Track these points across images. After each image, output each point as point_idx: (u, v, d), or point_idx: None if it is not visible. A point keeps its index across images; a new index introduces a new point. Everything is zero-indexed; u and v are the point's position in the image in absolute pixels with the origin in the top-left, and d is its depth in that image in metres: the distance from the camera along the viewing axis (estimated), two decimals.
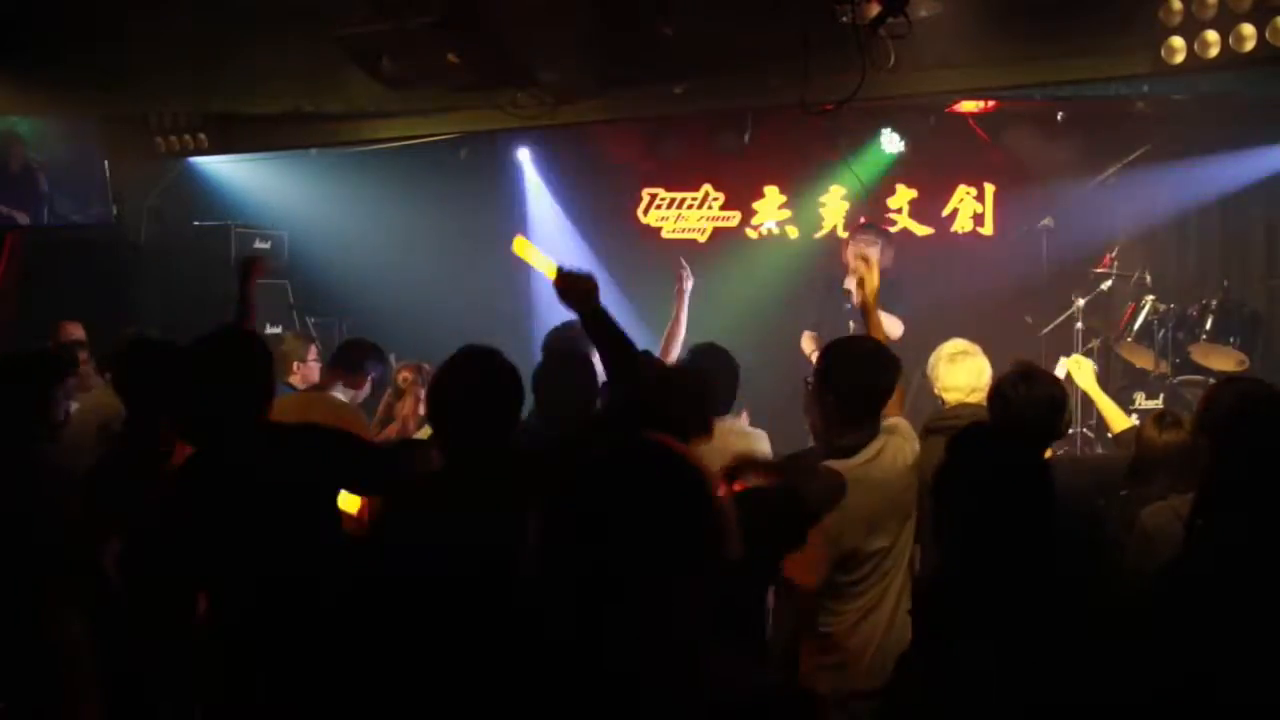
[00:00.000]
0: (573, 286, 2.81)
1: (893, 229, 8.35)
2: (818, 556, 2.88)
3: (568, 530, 1.58)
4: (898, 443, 3.20)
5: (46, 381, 3.60)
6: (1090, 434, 6.44)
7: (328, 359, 5.34)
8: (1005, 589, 2.16)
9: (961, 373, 4.02)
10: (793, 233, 8.56)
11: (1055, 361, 6.81)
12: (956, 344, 4.13)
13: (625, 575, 1.54)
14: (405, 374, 5.29)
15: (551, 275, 2.88)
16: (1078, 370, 4.65)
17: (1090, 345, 6.97)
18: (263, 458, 2.93)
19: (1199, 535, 2.49)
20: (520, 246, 3.25)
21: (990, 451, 2.33)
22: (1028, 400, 3.39)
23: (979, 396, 3.99)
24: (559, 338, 4.32)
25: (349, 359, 5.02)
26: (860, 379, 3.14)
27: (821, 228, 8.53)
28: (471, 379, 2.74)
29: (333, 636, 2.55)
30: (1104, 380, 7.12)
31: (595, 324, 2.81)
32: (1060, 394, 3.49)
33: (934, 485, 2.37)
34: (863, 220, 7.64)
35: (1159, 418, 3.57)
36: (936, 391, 4.13)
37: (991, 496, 2.22)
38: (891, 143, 7.77)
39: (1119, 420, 4.32)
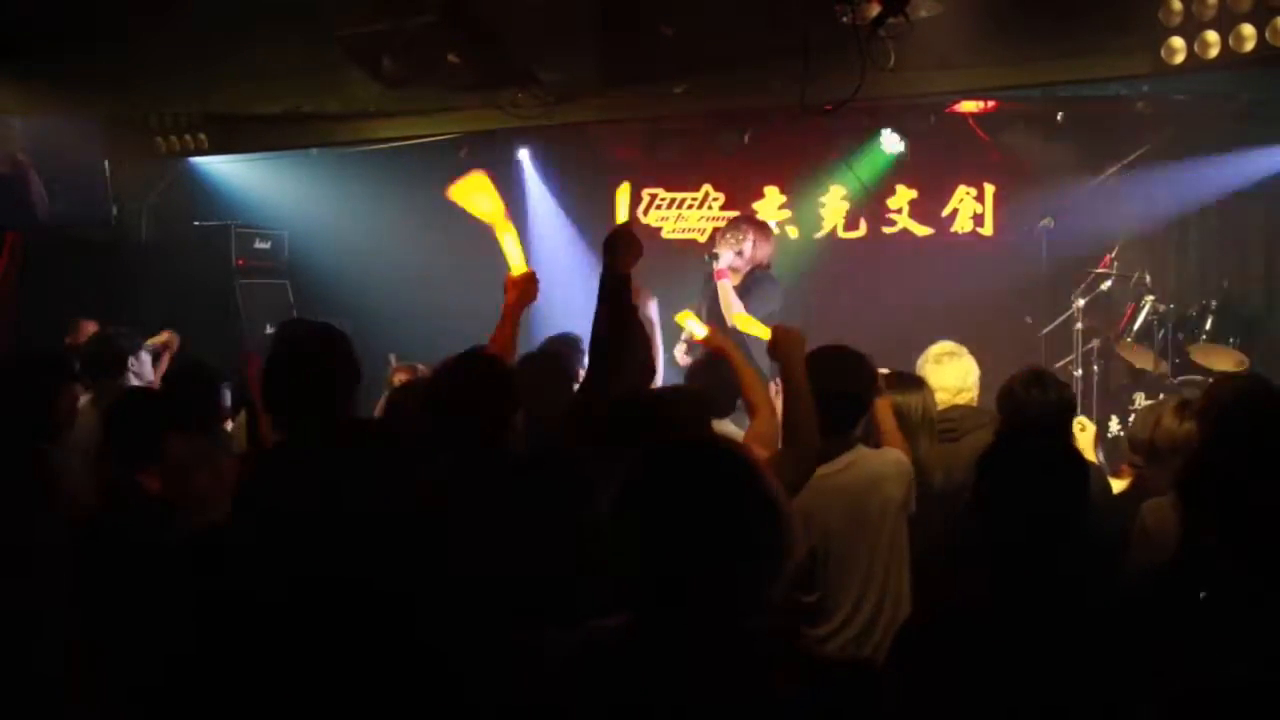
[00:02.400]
0: (630, 243, 2.90)
1: (892, 229, 8.38)
2: None
3: (636, 524, 1.62)
4: (875, 464, 3.16)
5: (51, 382, 3.60)
6: None
7: None
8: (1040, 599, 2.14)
9: (948, 374, 4.02)
10: (793, 233, 8.55)
11: (1055, 361, 6.86)
12: (944, 345, 4.14)
13: (693, 569, 1.57)
14: (400, 376, 5.25)
15: (621, 219, 3.09)
16: (1079, 433, 4.52)
17: (1090, 345, 6.98)
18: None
19: (1194, 534, 2.49)
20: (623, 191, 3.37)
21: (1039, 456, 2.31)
22: (1041, 403, 3.37)
23: (966, 397, 4.01)
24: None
25: None
26: (829, 387, 3.00)
27: (821, 228, 8.53)
28: (469, 382, 2.75)
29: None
30: (1104, 380, 7.15)
31: (623, 286, 2.86)
32: (1070, 396, 3.50)
33: (977, 494, 2.31)
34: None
35: (1179, 407, 3.53)
36: None
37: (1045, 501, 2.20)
38: (891, 143, 7.76)
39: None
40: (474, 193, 3.34)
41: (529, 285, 3.31)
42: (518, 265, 3.35)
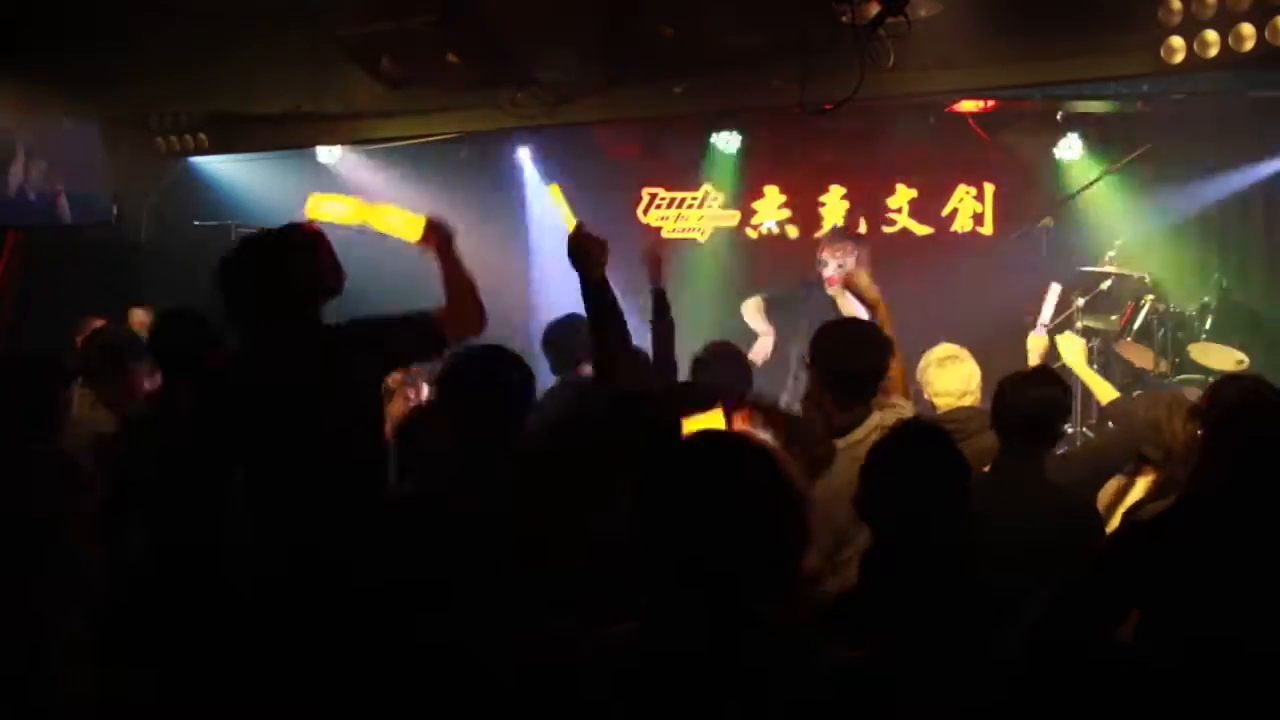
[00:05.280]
0: (588, 247, 2.95)
1: (892, 229, 8.38)
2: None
3: (665, 518, 1.64)
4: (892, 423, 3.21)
5: (47, 382, 3.59)
6: (1090, 434, 6.44)
7: None
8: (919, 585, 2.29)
9: (951, 377, 4.06)
10: (793, 233, 8.55)
11: (1055, 361, 6.85)
12: (946, 348, 4.17)
13: (715, 559, 1.60)
14: (395, 375, 5.22)
15: (570, 226, 3.04)
16: (1068, 348, 4.67)
17: (1090, 345, 6.97)
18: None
19: (1180, 527, 2.49)
20: (555, 193, 3.37)
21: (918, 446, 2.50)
22: (1027, 401, 3.36)
23: (970, 400, 4.04)
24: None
25: None
26: (844, 363, 3.21)
27: (821, 228, 8.52)
28: (486, 378, 2.80)
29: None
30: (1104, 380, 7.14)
31: (599, 292, 2.93)
32: (1063, 396, 3.48)
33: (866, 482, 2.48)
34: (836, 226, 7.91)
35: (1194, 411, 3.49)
36: (927, 396, 4.16)
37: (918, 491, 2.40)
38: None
39: (1106, 392, 4.36)
40: (324, 206, 3.33)
41: (439, 226, 3.33)
42: (414, 223, 3.37)
